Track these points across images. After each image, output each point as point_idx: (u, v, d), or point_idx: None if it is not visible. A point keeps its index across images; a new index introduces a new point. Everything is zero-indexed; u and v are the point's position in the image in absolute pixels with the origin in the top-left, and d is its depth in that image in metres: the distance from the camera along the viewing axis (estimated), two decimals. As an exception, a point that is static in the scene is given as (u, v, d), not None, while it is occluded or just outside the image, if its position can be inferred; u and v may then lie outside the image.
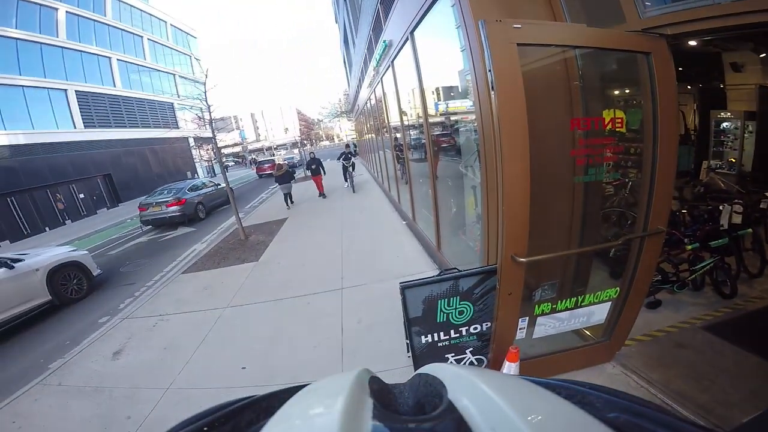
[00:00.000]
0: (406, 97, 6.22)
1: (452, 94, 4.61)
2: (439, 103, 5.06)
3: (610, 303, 2.63)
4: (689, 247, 3.88)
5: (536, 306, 2.49)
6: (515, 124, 1.95)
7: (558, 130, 2.54)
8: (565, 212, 2.95)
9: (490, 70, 1.88)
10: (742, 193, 4.94)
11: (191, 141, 32.86)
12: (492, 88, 1.92)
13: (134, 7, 29.32)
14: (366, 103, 12.49)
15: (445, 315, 2.50)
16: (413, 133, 6.50)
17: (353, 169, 13.41)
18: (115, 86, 26.08)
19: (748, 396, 2.67)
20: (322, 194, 12.85)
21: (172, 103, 31.44)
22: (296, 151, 39.58)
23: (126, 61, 27.63)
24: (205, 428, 0.43)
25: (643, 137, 2.41)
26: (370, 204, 10.77)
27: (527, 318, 2.49)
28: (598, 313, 2.65)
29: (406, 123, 6.69)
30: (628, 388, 2.84)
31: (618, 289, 2.63)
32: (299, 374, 3.44)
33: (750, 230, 4.08)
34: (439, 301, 2.46)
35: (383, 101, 8.24)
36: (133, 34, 29.02)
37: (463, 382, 0.48)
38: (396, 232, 7.50)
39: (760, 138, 7.68)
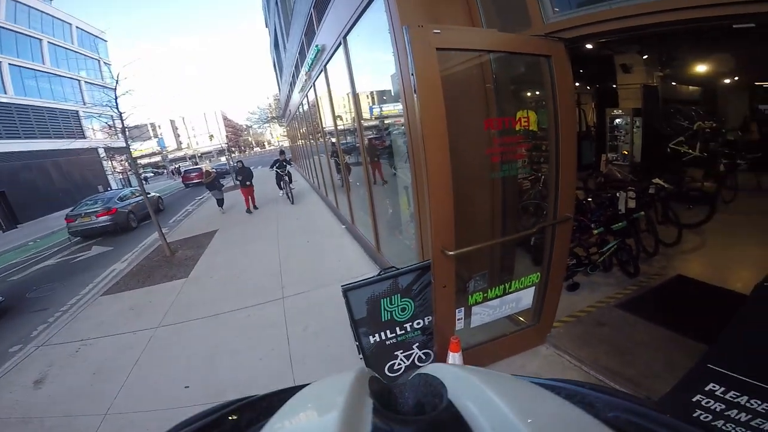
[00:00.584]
0: (340, 102, 6.22)
1: (384, 97, 4.69)
2: (372, 106, 5.12)
3: (534, 288, 2.82)
4: (596, 231, 4.30)
5: (470, 296, 2.60)
6: (436, 124, 2.03)
7: (475, 130, 2.67)
8: (487, 206, 3.12)
9: (412, 74, 1.93)
10: (635, 181, 5.60)
11: (101, 152, 29.82)
12: (414, 90, 1.98)
13: (33, 8, 26.04)
14: (299, 107, 12.27)
15: (388, 313, 2.54)
16: (348, 137, 6.51)
17: (290, 179, 12.05)
18: (5, 93, 22.95)
19: (666, 366, 2.93)
20: (251, 208, 11.21)
21: (77, 111, 28.35)
22: (223, 158, 37.66)
23: (20, 66, 24.44)
24: (205, 428, 0.42)
25: (549, 134, 2.61)
26: (307, 211, 10.49)
27: (463, 309, 2.60)
28: (525, 298, 2.83)
29: (341, 127, 6.68)
30: (563, 369, 3.04)
31: (539, 274, 2.83)
32: (248, 387, 3.28)
33: (642, 213, 4.60)
34: (382, 300, 2.49)
35: (317, 106, 8.15)
36: (30, 36, 25.74)
37: (463, 382, 0.48)
38: (336, 237, 7.42)
39: (646, 132, 8.79)
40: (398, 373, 2.89)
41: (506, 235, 3.17)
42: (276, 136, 73.57)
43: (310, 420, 0.42)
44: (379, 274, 2.54)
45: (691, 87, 9.90)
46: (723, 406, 1.73)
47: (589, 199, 5.06)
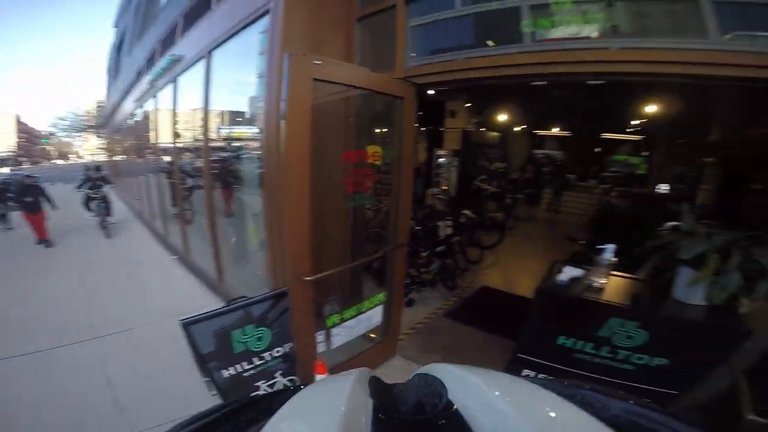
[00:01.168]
0: (187, 118, 5.59)
1: (239, 119, 4.47)
2: (223, 127, 4.75)
3: (381, 306, 3.05)
4: (423, 254, 4.96)
5: (327, 319, 2.65)
6: (300, 153, 2.05)
7: (334, 160, 2.77)
8: (340, 233, 3.25)
9: (284, 100, 1.93)
10: (451, 212, 6.71)
11: None
12: (283, 117, 1.98)
13: None
14: (129, 118, 10.34)
15: (242, 345, 2.37)
16: (191, 157, 5.88)
17: (107, 207, 8.80)
18: None
19: (488, 362, 3.42)
20: (43, 240, 7.70)
21: None
22: (6, 170, 28.72)
23: None
24: (205, 428, 0.40)
25: (392, 169, 2.95)
26: (126, 238, 8.54)
27: (323, 331, 2.63)
28: (375, 316, 3.03)
29: (182, 146, 5.97)
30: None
31: (385, 293, 3.09)
32: None
33: (457, 238, 5.51)
34: (233, 332, 2.31)
35: (154, 118, 7.12)
36: None
37: (463, 382, 0.48)
38: (165, 268, 6.42)
39: (460, 170, 10.50)
40: None
41: (356, 260, 3.40)
42: (90, 149, 59.20)
43: (311, 420, 0.41)
44: (227, 305, 2.37)
45: (493, 133, 12.19)
46: None
47: (418, 228, 5.83)
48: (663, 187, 9.06)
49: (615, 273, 1.95)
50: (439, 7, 2.71)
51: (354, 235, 3.39)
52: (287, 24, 2.64)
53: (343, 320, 2.75)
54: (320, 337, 2.62)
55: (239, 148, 4.63)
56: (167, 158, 7.01)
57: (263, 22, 3.01)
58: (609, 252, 1.83)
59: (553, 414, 0.39)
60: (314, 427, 0.38)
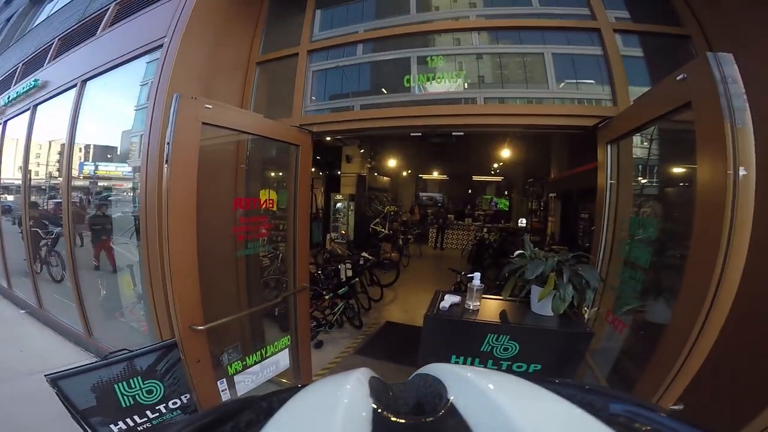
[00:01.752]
0: (40, 151, 4.80)
1: (109, 156, 4.00)
2: (87, 163, 4.19)
3: (287, 349, 2.97)
4: (327, 297, 5.00)
5: (228, 366, 2.51)
6: (185, 199, 1.94)
7: (223, 207, 2.70)
8: (233, 281, 3.15)
9: (168, 143, 1.84)
10: (350, 255, 6.90)
11: None
12: (167, 161, 1.86)
13: None
14: None
15: (129, 398, 2.11)
16: (43, 195, 5.08)
17: None
18: None
19: None
20: None
21: None
22: None
23: None
24: (205, 428, 0.39)
25: (287, 215, 2.98)
26: None
27: (224, 379, 2.47)
28: (282, 360, 2.94)
29: (34, 183, 5.10)
30: None
31: (289, 337, 3.03)
32: None
33: (357, 279, 5.68)
34: (116, 386, 2.06)
35: None
36: None
37: (463, 382, 0.47)
38: (13, 324, 5.24)
39: (357, 214, 10.85)
40: None
41: (253, 306, 3.28)
42: None
43: (311, 420, 0.40)
44: (105, 358, 2.11)
45: (385, 178, 13.13)
46: None
47: (319, 272, 5.85)
48: (522, 221, 10.68)
49: (486, 296, 2.25)
50: (339, 54, 2.96)
51: (249, 282, 3.30)
52: (180, 62, 2.53)
53: (246, 366, 2.62)
54: (222, 385, 2.44)
55: (108, 188, 4.16)
56: (11, 197, 5.92)
57: (153, 54, 2.88)
58: (476, 279, 2.10)
59: (553, 414, 0.39)
60: (314, 427, 0.38)
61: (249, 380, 2.67)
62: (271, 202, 2.80)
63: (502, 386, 0.45)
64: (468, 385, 0.46)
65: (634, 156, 2.27)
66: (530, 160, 10.16)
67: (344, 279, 5.49)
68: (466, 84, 2.62)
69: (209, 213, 2.31)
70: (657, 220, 2.07)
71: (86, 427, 2.02)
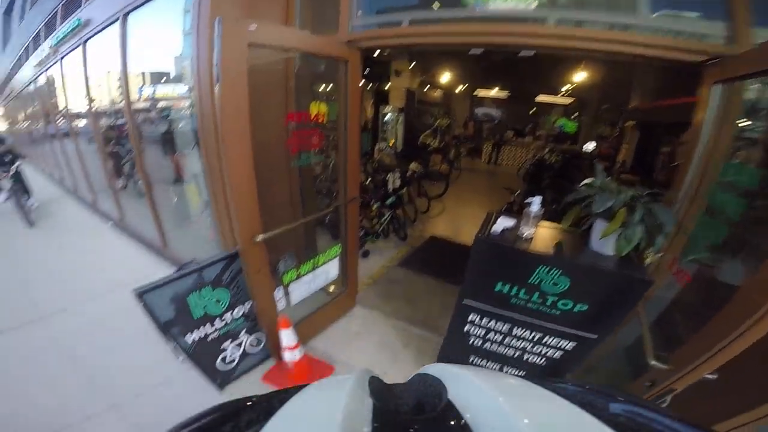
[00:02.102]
0: (101, 81, 5.01)
1: (164, 79, 4.06)
2: (145, 87, 4.31)
3: (337, 259, 3.11)
4: (374, 206, 5.05)
5: (284, 276, 2.66)
6: (238, 118, 1.93)
7: (277, 122, 2.70)
8: (287, 192, 3.21)
9: (217, 65, 1.78)
10: (398, 166, 6.81)
11: None
12: (217, 80, 1.83)
13: None
14: (30, 84, 8.99)
15: (201, 308, 2.34)
16: (111, 120, 5.36)
17: (23, 186, 6.48)
18: None
19: (441, 307, 3.69)
20: None
21: None
22: None
23: None
24: (205, 429, 0.39)
25: (338, 127, 2.88)
26: (49, 212, 7.11)
27: (281, 288, 2.64)
28: (332, 269, 3.09)
29: (101, 109, 5.37)
30: (376, 323, 3.45)
31: (340, 246, 3.14)
32: None
33: (404, 190, 5.63)
34: (189, 297, 2.26)
35: (61, 84, 6.28)
36: None
37: (462, 382, 0.47)
38: (101, 237, 5.84)
39: (406, 126, 10.64)
40: (234, 364, 2.73)
41: (306, 215, 3.38)
42: None
43: (311, 420, 0.40)
44: (178, 270, 2.28)
45: (436, 92, 12.56)
46: (483, 331, 2.21)
47: (369, 180, 5.89)
48: (589, 145, 9.78)
49: (543, 224, 2.10)
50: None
51: (303, 192, 3.35)
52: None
53: (299, 276, 2.78)
54: (279, 294, 2.64)
55: (168, 108, 4.26)
56: (82, 123, 6.23)
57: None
58: (536, 203, 1.93)
59: (553, 414, 0.39)
60: (314, 427, 0.37)
61: (302, 289, 2.86)
62: (322, 115, 2.71)
63: (501, 386, 0.44)
64: (468, 385, 0.45)
65: (745, 98, 1.84)
66: (608, 85, 9.00)
67: (392, 189, 5.46)
68: (535, 2, 2.15)
69: (263, 128, 2.28)
70: (761, 171, 1.73)
71: (169, 338, 2.28)
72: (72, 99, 6.23)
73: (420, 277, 4.36)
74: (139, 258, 5.07)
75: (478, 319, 2.22)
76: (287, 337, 2.55)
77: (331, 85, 3.07)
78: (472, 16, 2.27)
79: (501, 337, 2.24)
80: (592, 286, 1.79)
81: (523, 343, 2.20)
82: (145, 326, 2.28)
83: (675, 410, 1.49)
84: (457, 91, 13.00)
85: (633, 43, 1.98)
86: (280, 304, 2.67)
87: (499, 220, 2.08)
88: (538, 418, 0.35)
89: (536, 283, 1.89)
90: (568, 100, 11.63)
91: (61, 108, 7.03)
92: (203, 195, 3.64)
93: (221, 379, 2.70)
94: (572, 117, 11.82)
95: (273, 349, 2.86)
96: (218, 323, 2.50)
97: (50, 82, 7.28)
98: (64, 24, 5.48)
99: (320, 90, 3.35)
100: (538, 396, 0.43)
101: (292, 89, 2.84)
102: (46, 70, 7.09)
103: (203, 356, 2.50)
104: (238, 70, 1.86)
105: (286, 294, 2.72)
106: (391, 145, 10.07)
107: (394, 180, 5.51)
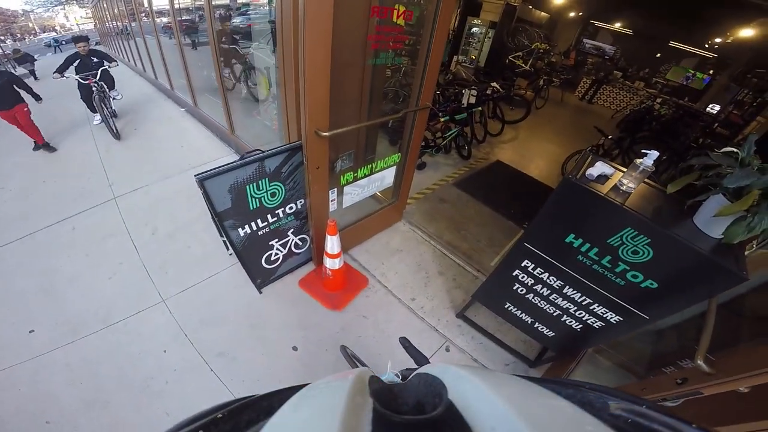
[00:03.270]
0: None
1: None
2: None
3: (394, 167, 2.93)
4: (442, 119, 4.62)
5: (341, 176, 2.55)
6: (320, 12, 1.71)
7: (360, 15, 2.37)
8: (356, 90, 2.95)
9: None
10: (477, 82, 6.15)
11: None
12: None
13: None
14: None
15: (257, 200, 2.28)
16: (189, 15, 5.40)
17: (110, 85, 5.71)
18: None
19: (488, 241, 3.48)
20: (40, 145, 5.07)
21: None
22: None
23: None
24: (205, 428, 0.38)
25: (423, 31, 2.52)
26: (132, 100, 7.06)
27: (335, 189, 2.55)
28: (388, 177, 2.93)
29: (180, 5, 5.32)
30: (417, 243, 3.36)
31: (399, 154, 2.94)
32: (108, 314, 2.66)
33: (479, 108, 5.11)
34: (248, 187, 2.19)
35: None
36: None
37: (463, 382, 0.46)
38: (175, 121, 5.97)
39: (494, 43, 9.47)
40: (276, 264, 2.78)
41: (372, 118, 3.18)
42: (75, 19, 51.01)
43: (310, 420, 0.39)
44: (241, 158, 2.17)
45: (542, 13, 10.89)
46: (532, 281, 2.04)
47: (438, 92, 5.39)
48: (714, 106, 8.22)
49: (646, 181, 1.72)
50: None
51: (372, 93, 3.07)
52: None
53: (356, 179, 2.65)
54: (333, 194, 2.55)
55: (245, 4, 4.30)
56: (165, 20, 6.15)
57: None
58: (650, 158, 1.55)
59: (553, 414, 0.38)
60: (314, 427, 0.36)
61: (355, 193, 2.74)
62: (409, 14, 2.32)
63: (501, 386, 0.42)
64: (468, 385, 0.45)
65: None
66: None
67: (465, 105, 4.99)
68: None
69: (345, 20, 2.06)
70: None
71: (221, 229, 2.27)
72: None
73: (474, 202, 4.09)
74: (207, 141, 5.23)
75: (532, 266, 2.01)
76: (332, 243, 2.52)
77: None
78: None
79: (548, 292, 2.05)
80: (675, 266, 1.49)
81: (568, 305, 2.00)
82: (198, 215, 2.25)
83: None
84: (569, 15, 11.34)
85: None
86: (332, 206, 2.59)
87: (597, 164, 1.74)
88: (538, 418, 0.34)
89: (615, 245, 1.61)
90: (709, 54, 9.62)
91: (145, 5, 7.00)
92: (273, 87, 3.60)
93: (261, 279, 2.78)
94: (709, 72, 9.84)
95: (316, 252, 2.87)
96: (270, 218, 2.46)
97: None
98: None
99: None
100: (538, 396, 0.42)
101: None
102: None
103: (251, 252, 2.54)
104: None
105: (340, 195, 2.62)
106: (473, 58, 9.19)
107: (469, 96, 5.03)
